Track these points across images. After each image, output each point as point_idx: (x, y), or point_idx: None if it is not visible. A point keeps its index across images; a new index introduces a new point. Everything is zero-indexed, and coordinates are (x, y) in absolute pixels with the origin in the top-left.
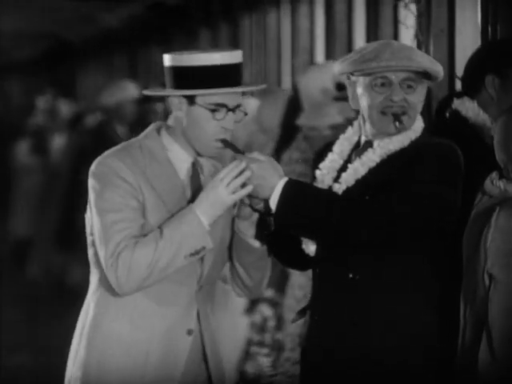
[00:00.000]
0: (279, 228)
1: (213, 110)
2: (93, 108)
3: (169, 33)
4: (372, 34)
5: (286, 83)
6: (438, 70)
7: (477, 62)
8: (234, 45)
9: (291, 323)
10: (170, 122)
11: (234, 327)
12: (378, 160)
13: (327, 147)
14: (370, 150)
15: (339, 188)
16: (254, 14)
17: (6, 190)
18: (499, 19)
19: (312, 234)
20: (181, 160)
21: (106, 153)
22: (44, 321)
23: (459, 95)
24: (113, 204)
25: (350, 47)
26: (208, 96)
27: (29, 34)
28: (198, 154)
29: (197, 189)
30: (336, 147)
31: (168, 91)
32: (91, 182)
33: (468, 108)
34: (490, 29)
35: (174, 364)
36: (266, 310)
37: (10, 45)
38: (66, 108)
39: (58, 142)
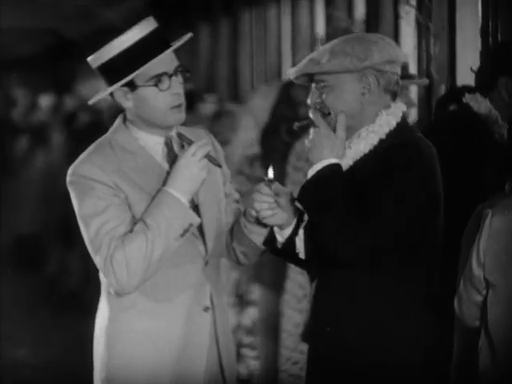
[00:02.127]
0: (301, 202)
1: (155, 84)
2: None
3: (169, 28)
4: (372, 29)
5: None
6: (318, 68)
7: (492, 63)
8: (234, 40)
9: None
10: (127, 115)
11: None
12: (351, 163)
13: None
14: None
15: None
16: (255, 10)
17: (9, 186)
18: (499, 16)
19: (314, 226)
20: (153, 143)
21: (79, 159)
22: (45, 315)
23: (470, 90)
24: (95, 208)
25: None
26: (144, 74)
27: (29, 31)
28: (166, 130)
29: None
30: None
31: (107, 90)
32: (70, 194)
33: (481, 104)
34: (490, 26)
35: (199, 343)
36: (254, 314)
37: (10, 41)
38: (67, 104)
39: (60, 137)
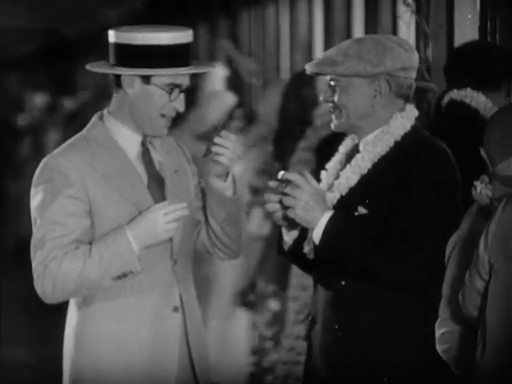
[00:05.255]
0: (319, 258)
1: (169, 92)
2: (91, 104)
3: None
4: (370, 28)
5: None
6: (328, 70)
7: (496, 63)
8: (233, 40)
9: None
10: (113, 105)
11: (238, 327)
12: (369, 166)
13: (335, 142)
14: (358, 155)
15: (333, 197)
16: (253, 9)
17: (11, 187)
18: (498, 14)
19: (351, 271)
20: (129, 141)
21: (54, 152)
22: (44, 314)
23: (460, 86)
24: (50, 210)
25: None
26: (164, 77)
27: (28, 30)
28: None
29: (150, 166)
30: (341, 147)
31: (126, 70)
32: (35, 183)
33: (479, 101)
34: (488, 24)
35: (169, 344)
36: (273, 305)
37: (9, 41)
38: (66, 104)
39: (56, 137)
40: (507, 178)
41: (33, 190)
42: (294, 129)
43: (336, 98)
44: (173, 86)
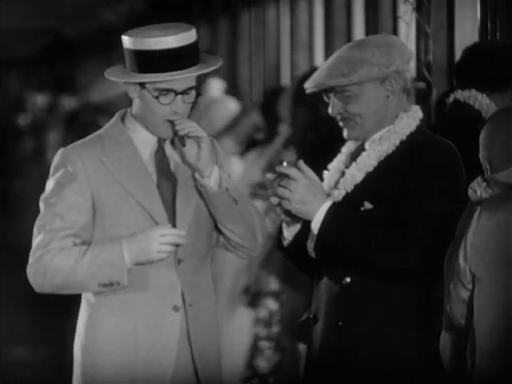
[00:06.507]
0: (319, 251)
1: (156, 97)
2: (90, 104)
3: None
4: (371, 28)
5: (285, 79)
6: (333, 82)
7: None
8: (233, 40)
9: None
10: (132, 107)
11: (240, 326)
12: (375, 164)
13: (337, 143)
14: (363, 153)
15: (338, 194)
16: (254, 10)
17: (15, 186)
18: (498, 14)
19: (349, 262)
20: (145, 139)
21: (70, 145)
22: (44, 314)
23: (465, 87)
24: (55, 199)
25: (349, 42)
26: (154, 82)
27: (28, 30)
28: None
29: (162, 165)
30: (344, 148)
31: (118, 76)
32: (51, 172)
33: (482, 103)
34: (489, 24)
35: (164, 343)
36: (271, 304)
37: (9, 41)
38: (66, 103)
39: (56, 137)
40: (507, 185)
41: (48, 181)
42: (320, 124)
43: (349, 108)
44: (162, 91)
